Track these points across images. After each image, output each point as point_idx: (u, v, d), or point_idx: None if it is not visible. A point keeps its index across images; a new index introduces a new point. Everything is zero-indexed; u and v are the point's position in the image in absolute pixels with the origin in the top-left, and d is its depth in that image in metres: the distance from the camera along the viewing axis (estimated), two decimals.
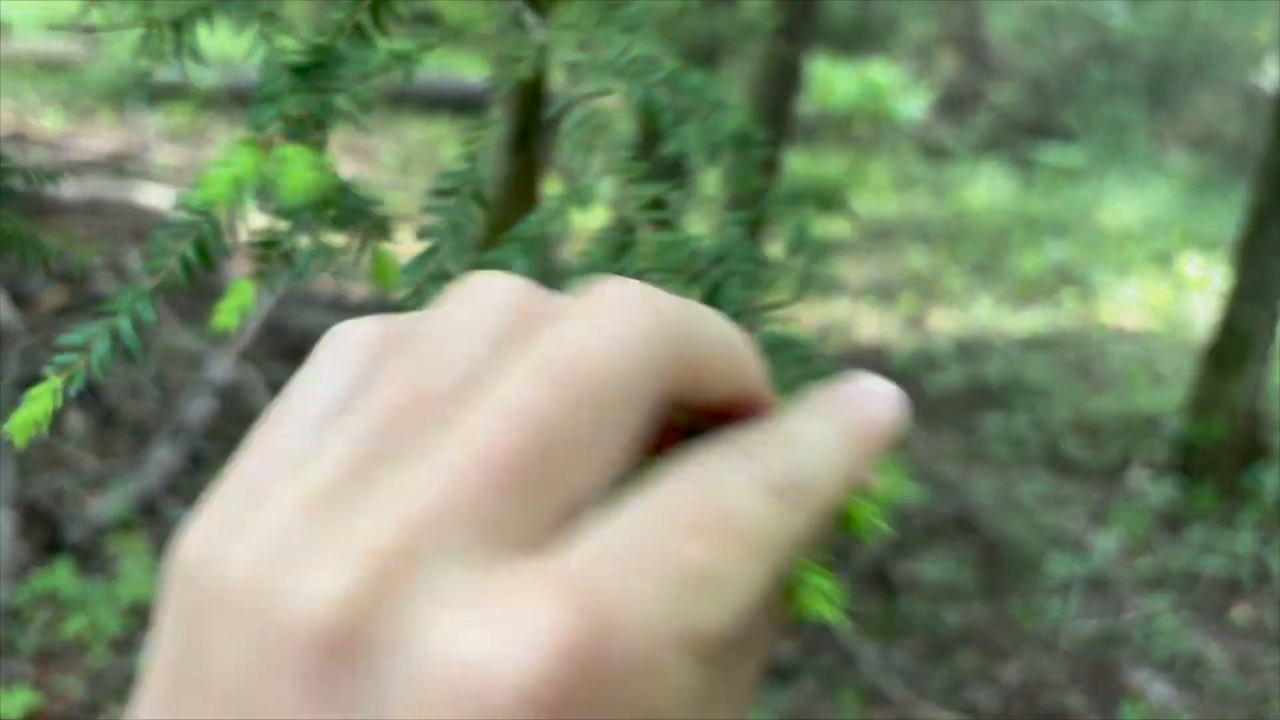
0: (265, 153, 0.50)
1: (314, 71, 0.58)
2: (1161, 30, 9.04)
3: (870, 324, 5.60)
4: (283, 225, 0.55)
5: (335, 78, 0.57)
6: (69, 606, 2.71)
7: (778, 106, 4.61)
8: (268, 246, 0.54)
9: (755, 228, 0.51)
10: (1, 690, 2.48)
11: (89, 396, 3.43)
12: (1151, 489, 4.12)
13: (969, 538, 3.78)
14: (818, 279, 0.53)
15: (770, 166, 4.30)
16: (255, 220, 0.54)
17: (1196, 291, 6.16)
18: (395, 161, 6.65)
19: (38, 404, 0.48)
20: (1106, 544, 3.77)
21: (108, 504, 3.07)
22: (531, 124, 3.97)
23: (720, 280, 0.48)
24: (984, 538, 3.79)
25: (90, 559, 2.88)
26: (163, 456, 3.27)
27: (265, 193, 0.51)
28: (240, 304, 0.53)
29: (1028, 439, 4.53)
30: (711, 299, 0.48)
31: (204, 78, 7.34)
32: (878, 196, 7.61)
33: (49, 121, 6.52)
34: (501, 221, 0.52)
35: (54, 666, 2.61)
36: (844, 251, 6.50)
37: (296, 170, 0.48)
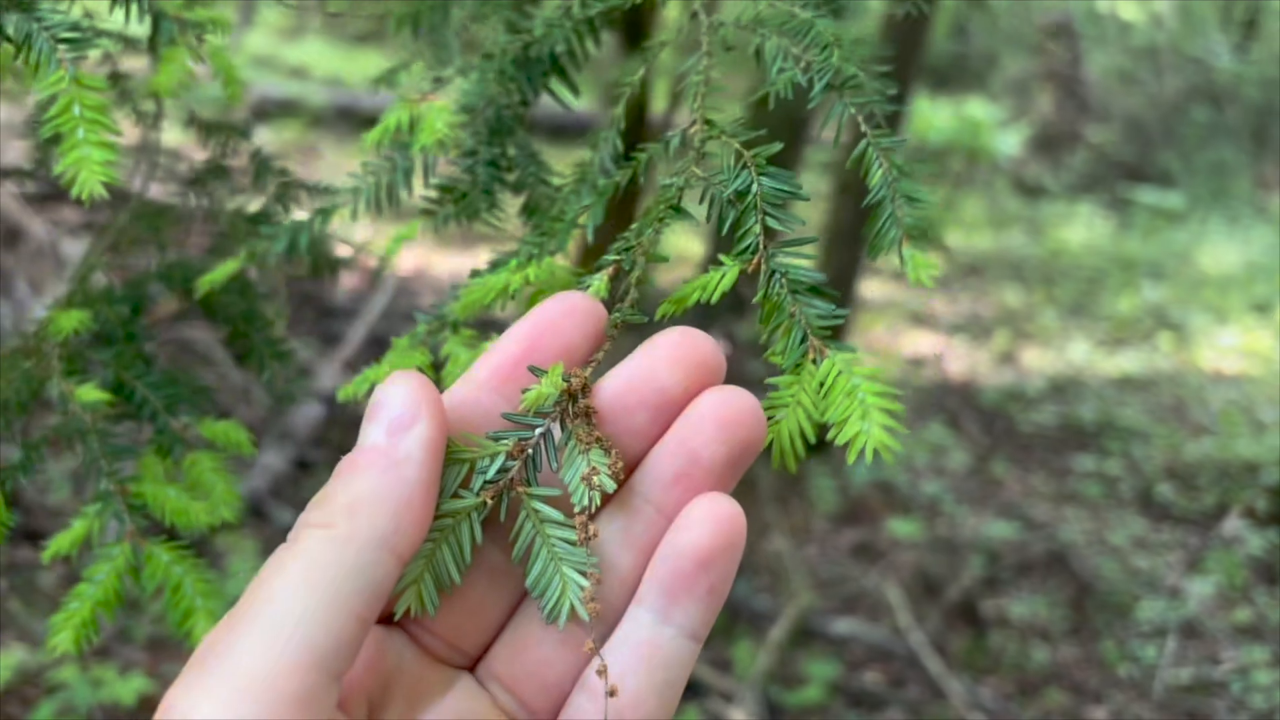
0: (415, 107, 0.64)
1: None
2: (1267, 71, 8.86)
3: (961, 359, 5.56)
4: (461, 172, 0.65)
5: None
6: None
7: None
8: (444, 191, 0.64)
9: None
10: (118, 676, 2.58)
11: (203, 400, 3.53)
12: (1250, 537, 4.03)
13: (1060, 577, 3.74)
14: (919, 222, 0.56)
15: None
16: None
17: None
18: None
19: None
20: (1202, 591, 3.70)
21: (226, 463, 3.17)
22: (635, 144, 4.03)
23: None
24: (1075, 578, 3.74)
25: (200, 555, 2.98)
26: (270, 461, 3.39)
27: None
28: (409, 236, 0.64)
29: (1121, 481, 4.46)
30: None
31: (314, 96, 7.59)
32: (972, 232, 7.55)
33: (167, 134, 6.75)
34: (603, 237, 0.60)
35: (165, 655, 2.72)
36: (937, 286, 6.45)
37: (434, 120, 0.62)
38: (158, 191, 0.86)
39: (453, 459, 0.50)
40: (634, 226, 0.54)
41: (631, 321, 0.53)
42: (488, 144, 0.61)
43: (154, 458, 0.67)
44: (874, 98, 0.55)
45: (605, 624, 0.51)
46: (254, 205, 0.81)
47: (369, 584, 0.45)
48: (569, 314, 0.51)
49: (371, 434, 0.47)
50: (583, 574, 0.50)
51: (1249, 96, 8.87)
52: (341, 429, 3.54)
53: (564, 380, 0.50)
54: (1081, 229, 7.97)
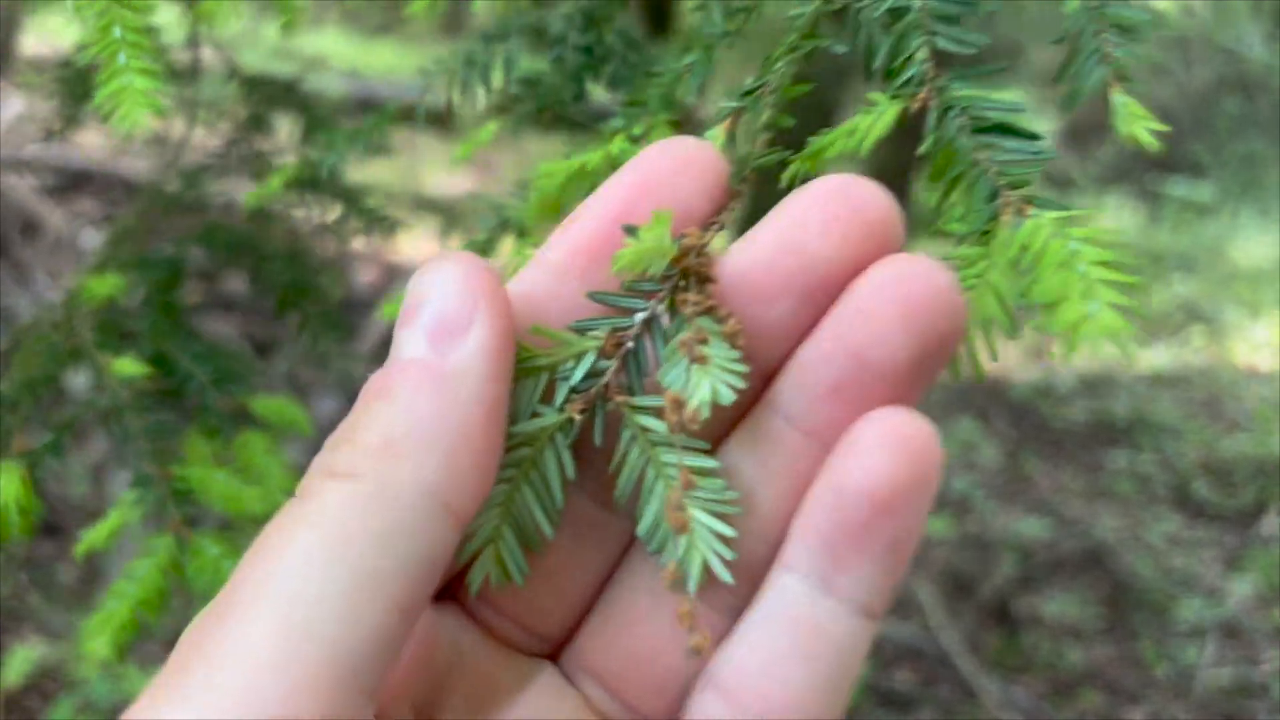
0: None
1: None
2: None
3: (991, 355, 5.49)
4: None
5: None
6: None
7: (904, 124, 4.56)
8: (528, 84, 0.56)
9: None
10: (138, 672, 2.53)
11: (256, 357, 3.50)
12: None
13: (1094, 576, 3.68)
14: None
15: (901, 191, 4.19)
16: None
17: None
18: (513, 175, 6.73)
19: None
20: (1240, 590, 3.65)
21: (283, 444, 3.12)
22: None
23: None
24: (1110, 577, 3.68)
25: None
26: (293, 456, 3.32)
27: None
28: (482, 140, 0.57)
29: (1155, 478, 4.39)
30: None
31: (332, 87, 7.54)
32: None
33: (177, 126, 6.72)
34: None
35: None
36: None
37: None
38: (199, 144, 0.79)
39: (524, 368, 0.38)
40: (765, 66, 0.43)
41: (765, 166, 0.40)
42: (581, 30, 0.52)
43: (200, 438, 0.60)
44: None
45: (737, 594, 0.38)
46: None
47: (414, 557, 0.33)
48: (679, 165, 0.38)
49: (410, 342, 0.35)
50: (720, 516, 0.37)
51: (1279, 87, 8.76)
52: None
53: (675, 240, 0.37)
54: (1110, 221, 7.89)
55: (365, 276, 4.40)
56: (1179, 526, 4.10)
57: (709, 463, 0.38)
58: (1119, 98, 0.42)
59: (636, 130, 0.46)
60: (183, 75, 0.84)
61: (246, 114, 0.77)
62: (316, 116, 0.76)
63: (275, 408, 0.63)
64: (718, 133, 0.42)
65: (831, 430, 0.37)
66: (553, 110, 0.51)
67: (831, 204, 0.37)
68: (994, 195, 0.39)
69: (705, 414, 0.36)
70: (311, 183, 0.54)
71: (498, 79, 0.54)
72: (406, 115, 0.55)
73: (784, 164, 0.41)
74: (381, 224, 0.74)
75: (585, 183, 0.46)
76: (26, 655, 2.63)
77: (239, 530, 0.58)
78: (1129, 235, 7.62)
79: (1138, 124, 0.40)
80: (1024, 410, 4.84)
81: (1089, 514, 4.09)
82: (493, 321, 0.36)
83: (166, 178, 0.75)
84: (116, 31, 0.49)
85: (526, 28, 0.52)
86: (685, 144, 0.38)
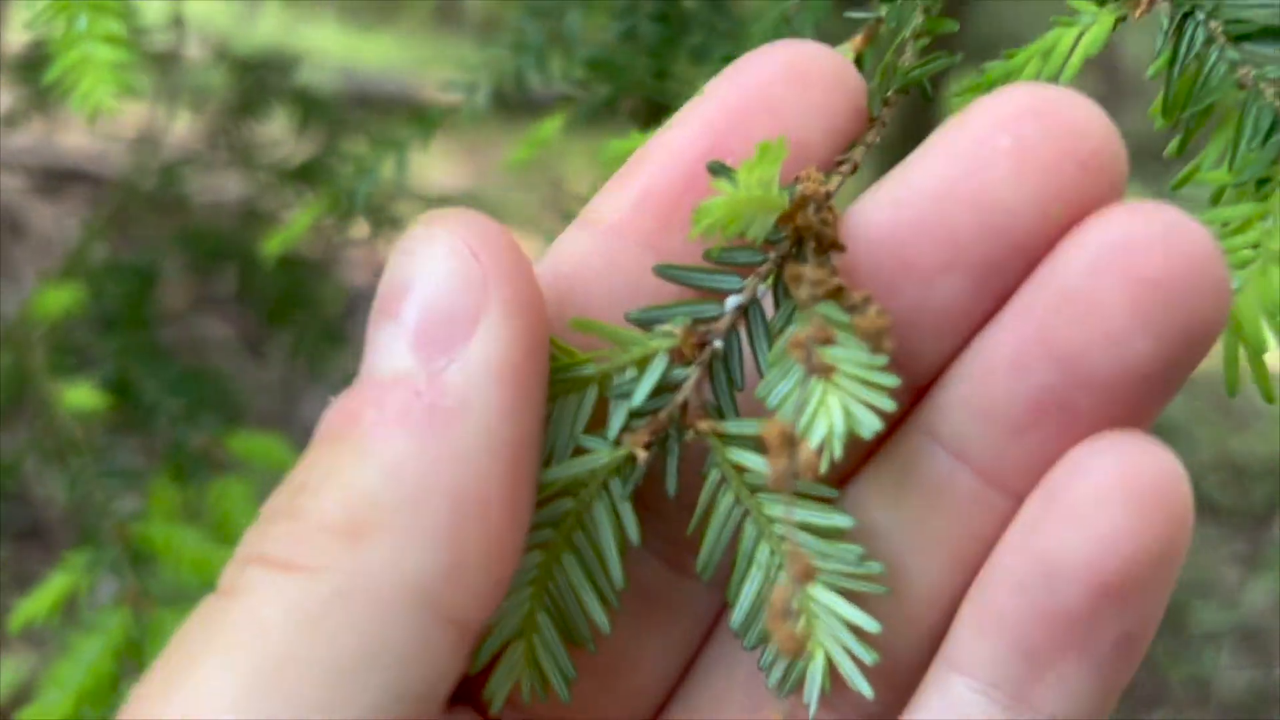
0: None
1: None
2: None
3: None
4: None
5: None
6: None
7: (914, 119, 4.49)
8: (594, 67, 0.48)
9: None
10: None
11: (243, 362, 3.43)
12: None
13: None
14: None
15: None
16: None
17: None
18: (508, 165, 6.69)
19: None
20: (1256, 593, 3.61)
21: (267, 490, 3.09)
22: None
23: None
24: None
25: None
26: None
27: None
28: (544, 138, 0.48)
29: None
30: None
31: (328, 83, 7.45)
32: None
33: (181, 122, 6.66)
34: None
35: None
36: None
37: None
38: (180, 133, 0.70)
39: (563, 381, 0.27)
40: None
41: (917, 84, 0.29)
42: None
43: (167, 484, 0.50)
44: None
45: (877, 705, 0.27)
46: (295, 152, 0.65)
47: (394, 693, 0.22)
48: (792, 79, 0.26)
49: (388, 351, 0.25)
50: (854, 598, 0.25)
51: None
52: None
53: (787, 188, 0.25)
54: None
55: (362, 276, 4.32)
56: (1192, 529, 4.08)
57: (839, 519, 0.27)
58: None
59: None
60: (165, 60, 0.74)
61: (236, 101, 0.68)
62: (314, 104, 0.67)
63: (257, 446, 0.53)
64: (846, 48, 0.32)
65: (1026, 472, 0.26)
66: (633, 95, 0.41)
67: (1025, 128, 0.25)
68: (1273, 128, 0.28)
69: (837, 453, 0.25)
70: (343, 213, 0.45)
71: (556, 66, 0.44)
72: (443, 112, 0.45)
73: (943, 80, 0.30)
74: (388, 224, 0.65)
75: None
76: (10, 667, 2.55)
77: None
78: None
79: None
80: None
81: None
82: (512, 317, 0.24)
83: (144, 173, 0.66)
84: None
85: None
86: (802, 50, 0.27)
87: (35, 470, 0.51)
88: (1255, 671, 3.29)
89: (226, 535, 0.51)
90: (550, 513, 0.28)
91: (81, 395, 0.50)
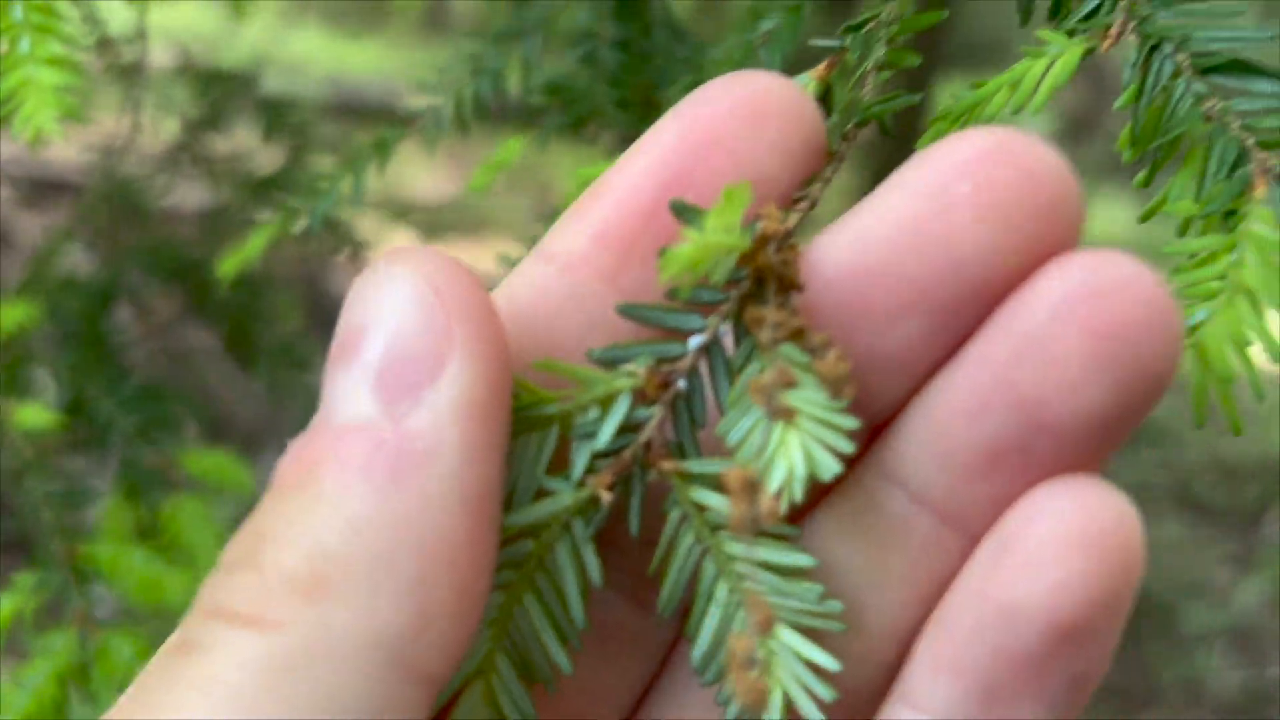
0: None
1: None
2: None
3: None
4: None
5: None
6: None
7: (901, 125, 4.52)
8: (553, 91, 0.48)
9: None
10: None
11: (201, 402, 3.41)
12: None
13: None
14: None
15: None
16: None
17: None
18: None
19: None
20: (1247, 593, 3.61)
21: (221, 509, 3.04)
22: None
23: None
24: None
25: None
26: (272, 463, 3.23)
27: None
28: (505, 161, 0.48)
29: (1155, 481, 4.35)
30: None
31: (314, 91, 7.43)
32: None
33: (165, 130, 6.64)
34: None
35: None
36: None
37: None
38: (144, 153, 0.69)
39: (525, 420, 0.27)
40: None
41: (882, 118, 0.29)
42: (615, 19, 0.41)
43: (120, 504, 0.50)
44: None
45: None
46: (262, 164, 0.65)
47: None
48: (747, 114, 0.26)
49: (349, 396, 0.24)
50: (808, 634, 0.25)
51: None
52: None
53: (748, 227, 0.25)
54: (1103, 217, 7.86)
55: (342, 285, 4.30)
56: (1182, 530, 4.09)
57: (800, 559, 0.27)
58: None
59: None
60: (129, 71, 0.73)
61: (199, 114, 0.67)
62: (278, 115, 0.66)
63: (211, 464, 0.52)
64: (808, 79, 0.32)
65: (982, 514, 0.26)
66: (591, 121, 0.41)
67: (985, 173, 0.25)
68: (1239, 161, 0.28)
69: (798, 497, 0.25)
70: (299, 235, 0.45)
71: (515, 85, 0.43)
72: (401, 130, 0.45)
73: (907, 116, 0.29)
74: (353, 245, 0.65)
75: None
76: None
77: (161, 625, 0.48)
78: (1125, 227, 7.59)
79: None
80: None
81: None
82: (477, 358, 0.24)
83: (105, 184, 0.65)
84: (18, 12, 0.39)
85: (545, 22, 0.41)
86: (759, 83, 0.26)
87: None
88: (1248, 671, 3.29)
89: (177, 554, 0.50)
90: (511, 554, 0.27)
91: (34, 415, 0.49)
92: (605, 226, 0.27)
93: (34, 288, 0.55)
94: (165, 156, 0.70)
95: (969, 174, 0.25)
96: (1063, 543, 0.25)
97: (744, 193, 0.25)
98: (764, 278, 0.26)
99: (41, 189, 3.77)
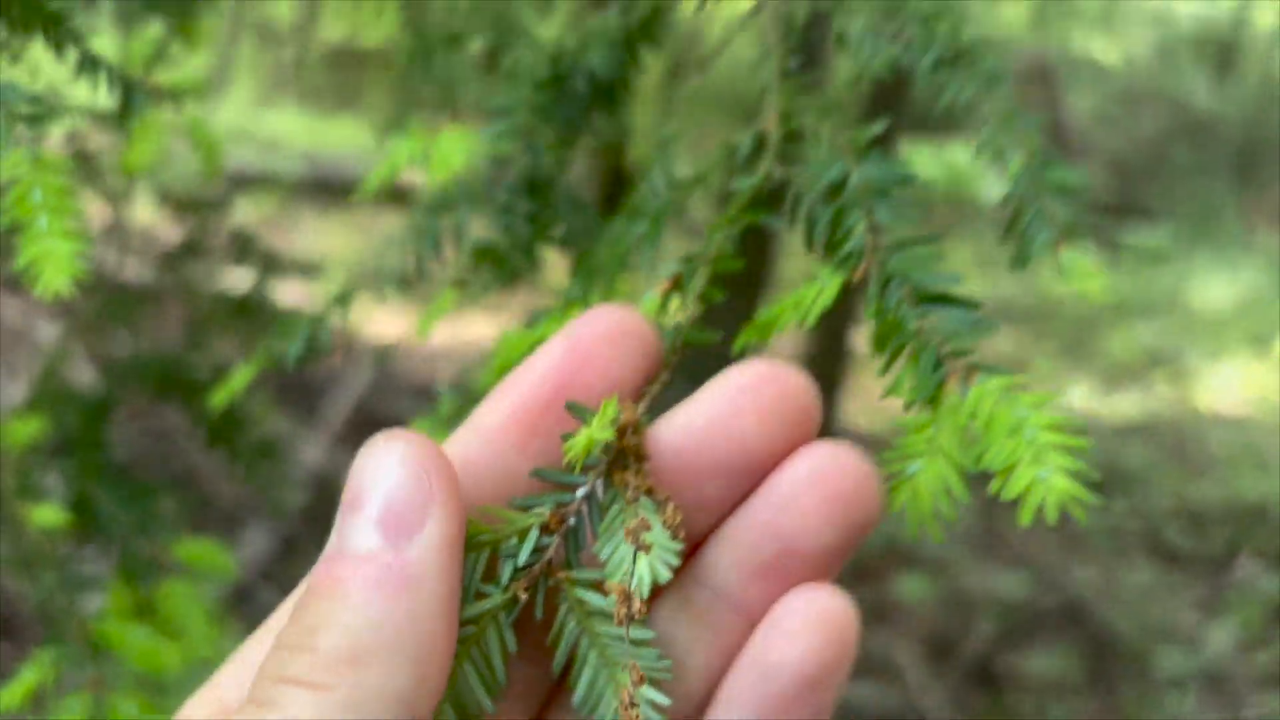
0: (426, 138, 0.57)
1: None
2: (1247, 108, 8.97)
3: None
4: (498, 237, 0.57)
5: None
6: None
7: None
8: (480, 255, 0.56)
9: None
10: None
11: (184, 481, 3.46)
12: (1263, 579, 3.98)
13: (1074, 630, 3.66)
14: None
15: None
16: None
17: None
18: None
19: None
20: (1219, 638, 3.64)
21: (207, 590, 3.07)
22: (614, 199, 3.98)
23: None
24: (1089, 630, 3.67)
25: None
26: (256, 541, 3.28)
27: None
28: (443, 310, 0.57)
29: (1127, 527, 4.40)
30: None
31: (290, 166, 7.56)
32: (962, 278, 7.56)
33: (139, 211, 6.72)
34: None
35: None
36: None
37: (449, 151, 0.56)
38: (131, 271, 0.78)
39: (470, 543, 0.39)
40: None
41: (698, 344, 0.42)
42: (527, 196, 0.52)
43: (122, 587, 0.58)
44: (992, 70, 0.45)
45: None
46: (235, 284, 0.74)
47: None
48: (611, 336, 0.39)
49: (360, 534, 0.35)
50: (654, 684, 0.38)
51: (1229, 133, 8.96)
52: (328, 507, 3.44)
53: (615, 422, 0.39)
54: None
55: (306, 372, 4.36)
56: (1154, 575, 4.10)
57: (644, 634, 0.39)
58: (1067, 255, 0.44)
59: (593, 300, 0.47)
60: (117, 198, 0.83)
61: (177, 241, 0.77)
62: (246, 237, 0.76)
63: (198, 553, 0.61)
64: (655, 296, 0.43)
65: (758, 606, 0.40)
66: (514, 278, 0.51)
67: (764, 390, 0.39)
68: (939, 364, 0.40)
69: (645, 595, 0.38)
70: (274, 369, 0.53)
71: (450, 249, 0.53)
72: (359, 284, 0.54)
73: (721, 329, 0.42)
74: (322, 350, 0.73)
75: None
76: None
77: (158, 689, 0.56)
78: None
79: (1089, 280, 0.42)
80: None
81: (1065, 567, 4.09)
82: (448, 511, 0.36)
83: (97, 304, 0.74)
84: (37, 195, 0.48)
85: (474, 195, 0.52)
86: (617, 314, 0.40)
87: (7, 571, 0.58)
88: (1221, 714, 3.32)
89: (171, 628, 0.58)
90: (460, 634, 0.39)
91: (47, 514, 0.57)
92: (516, 415, 0.40)
93: (41, 402, 0.63)
94: (149, 281, 0.79)
95: (752, 390, 0.39)
96: (808, 625, 0.38)
97: (614, 403, 0.39)
98: (624, 451, 0.40)
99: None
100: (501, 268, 0.52)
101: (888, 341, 0.41)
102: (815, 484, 0.39)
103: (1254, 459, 5.01)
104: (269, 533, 3.30)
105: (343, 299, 0.53)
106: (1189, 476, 4.89)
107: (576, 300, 0.48)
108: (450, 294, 0.53)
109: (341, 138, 8.50)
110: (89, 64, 0.62)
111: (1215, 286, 7.67)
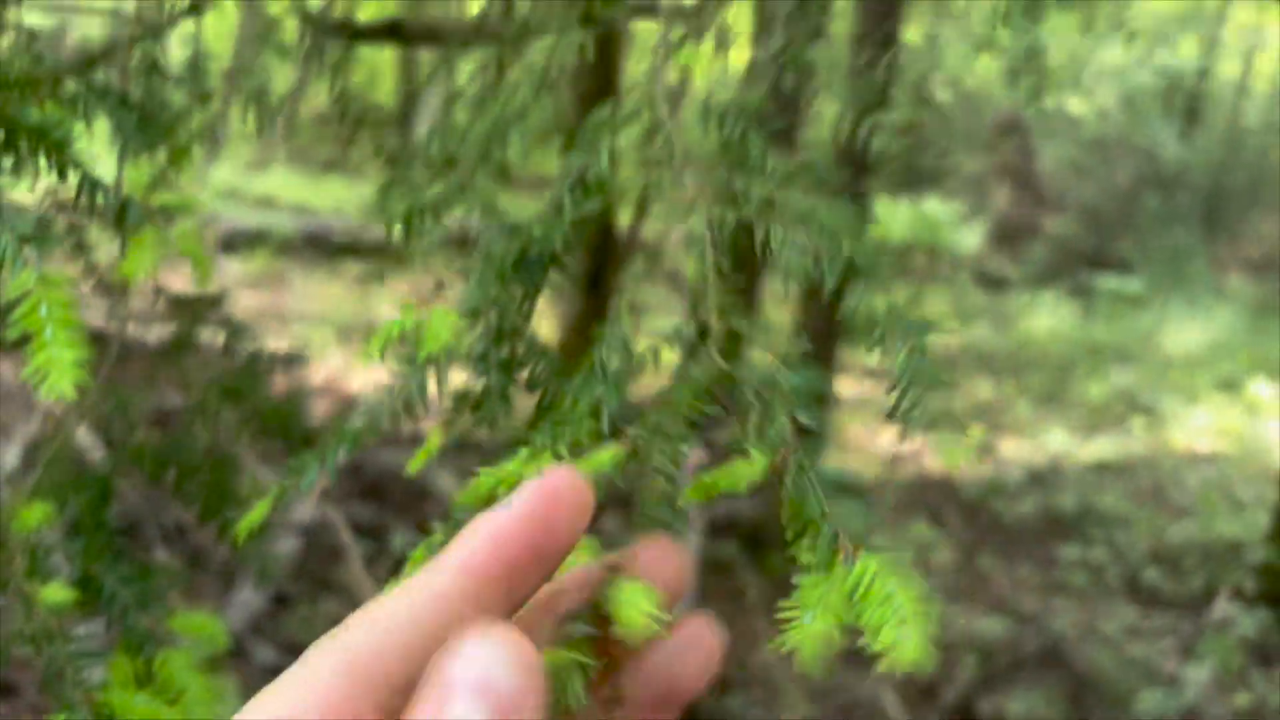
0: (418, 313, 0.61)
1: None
2: (1214, 156, 9.11)
3: (938, 455, 5.57)
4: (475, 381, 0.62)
5: None
6: None
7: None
8: (461, 399, 0.61)
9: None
10: None
11: (177, 538, 3.48)
12: (1241, 619, 4.00)
13: (1055, 672, 3.68)
14: (926, 412, 0.55)
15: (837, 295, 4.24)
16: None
17: (1269, 416, 6.06)
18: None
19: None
20: (1198, 678, 3.65)
21: (201, 658, 3.10)
22: (603, 262, 4.05)
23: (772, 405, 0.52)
24: (1070, 671, 3.68)
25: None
26: (247, 597, 3.31)
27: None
28: (431, 450, 0.59)
29: (1107, 569, 4.44)
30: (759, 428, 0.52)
31: (282, 225, 7.64)
32: (939, 328, 7.64)
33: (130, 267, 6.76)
34: (569, 356, 0.58)
35: None
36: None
37: (438, 327, 0.59)
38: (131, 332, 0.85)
39: None
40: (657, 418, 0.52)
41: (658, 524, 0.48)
42: (496, 346, 0.60)
43: (124, 658, 0.65)
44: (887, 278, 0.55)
45: None
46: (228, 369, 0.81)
47: None
48: (557, 498, 0.43)
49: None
50: None
51: (1197, 181, 9.09)
52: (319, 561, 3.47)
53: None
54: (1046, 318, 8.09)
55: (320, 409, 4.43)
56: (1134, 617, 4.12)
57: None
58: (940, 437, 0.53)
59: (560, 449, 0.53)
60: (114, 290, 0.90)
61: (173, 333, 0.84)
62: (238, 330, 0.83)
63: (194, 624, 0.68)
64: (610, 454, 0.50)
65: None
66: (491, 420, 0.58)
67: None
68: (834, 540, 0.48)
69: None
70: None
71: (435, 397, 0.60)
72: (362, 423, 0.60)
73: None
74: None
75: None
76: None
77: None
78: (1068, 327, 7.80)
79: (959, 456, 0.51)
80: (976, 508, 4.88)
81: (1046, 609, 4.11)
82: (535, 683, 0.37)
83: (98, 392, 0.81)
84: (44, 310, 0.55)
85: (452, 350, 0.59)
86: (561, 478, 0.44)
87: (15, 644, 0.64)
88: None
89: (169, 694, 0.64)
90: None
91: (55, 593, 0.62)
92: (473, 561, 0.42)
93: (46, 486, 0.70)
94: (146, 370, 0.86)
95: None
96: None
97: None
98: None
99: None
100: (479, 410, 0.59)
101: (797, 517, 0.49)
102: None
103: (1229, 499, 5.07)
104: (259, 589, 3.33)
105: (352, 437, 0.59)
106: (1166, 517, 4.93)
107: (547, 447, 0.54)
108: (436, 435, 0.59)
109: (329, 196, 8.59)
110: (89, 186, 0.69)
111: (1188, 331, 7.77)
